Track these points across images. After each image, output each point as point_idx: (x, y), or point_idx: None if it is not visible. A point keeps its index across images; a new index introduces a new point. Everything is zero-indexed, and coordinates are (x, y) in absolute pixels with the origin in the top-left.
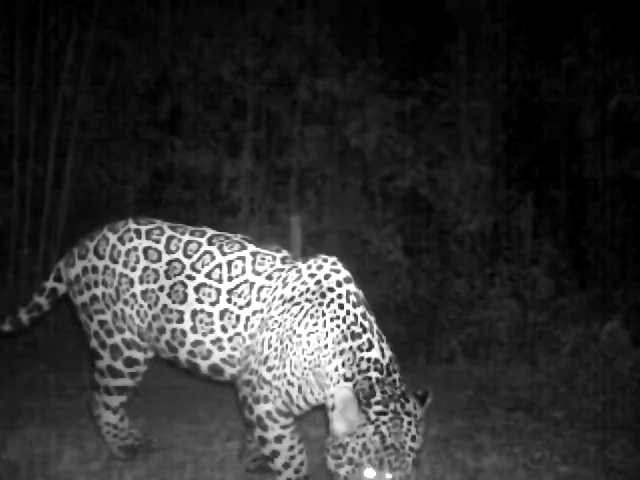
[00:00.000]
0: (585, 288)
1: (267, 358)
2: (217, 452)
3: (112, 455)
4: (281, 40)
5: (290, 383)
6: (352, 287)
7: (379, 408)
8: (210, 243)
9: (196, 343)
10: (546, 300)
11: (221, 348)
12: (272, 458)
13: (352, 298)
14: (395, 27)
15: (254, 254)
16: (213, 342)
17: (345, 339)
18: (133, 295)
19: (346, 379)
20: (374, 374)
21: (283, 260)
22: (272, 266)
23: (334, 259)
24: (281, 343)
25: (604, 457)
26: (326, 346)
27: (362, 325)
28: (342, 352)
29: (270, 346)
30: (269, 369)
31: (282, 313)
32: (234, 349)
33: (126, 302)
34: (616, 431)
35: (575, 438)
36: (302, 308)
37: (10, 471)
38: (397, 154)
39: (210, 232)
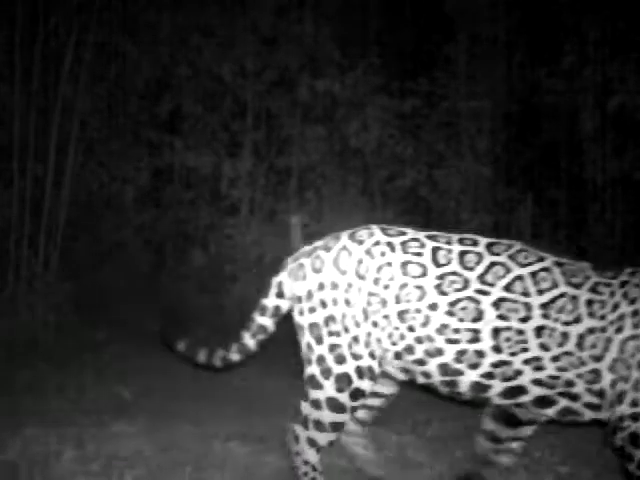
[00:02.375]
0: None
1: None
2: (217, 452)
3: None
4: (281, 40)
5: None
6: None
7: None
8: (493, 253)
9: (499, 364)
10: None
11: (539, 368)
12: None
13: None
14: (395, 27)
15: (559, 264)
16: (526, 362)
17: None
18: (386, 317)
19: None
20: None
21: (599, 273)
22: (588, 278)
23: None
24: None
25: (604, 457)
26: None
27: None
28: None
29: None
30: None
31: None
32: (562, 370)
33: (375, 324)
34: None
35: (575, 438)
36: None
37: (10, 471)
38: (397, 154)
39: (483, 239)
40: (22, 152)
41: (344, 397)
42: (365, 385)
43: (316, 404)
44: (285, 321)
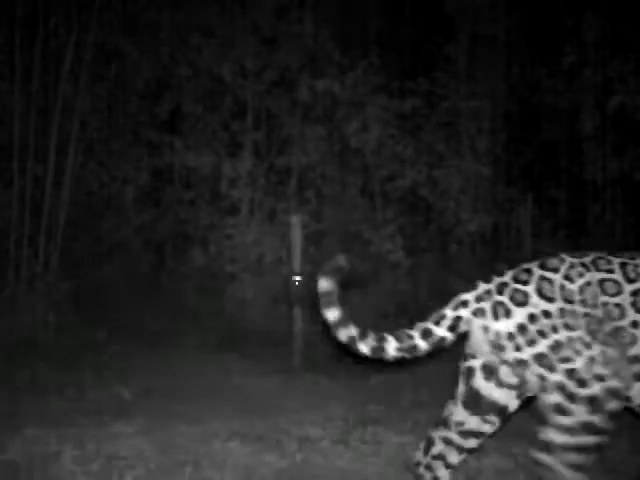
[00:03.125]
0: None
1: None
2: (217, 452)
3: None
4: (281, 40)
5: None
6: None
7: None
8: None
9: None
10: None
11: None
12: None
13: None
14: (395, 27)
15: None
16: None
17: None
18: (603, 335)
19: None
20: None
21: None
22: None
23: None
24: None
25: (604, 457)
26: None
27: None
28: None
29: None
30: None
31: None
32: None
33: (605, 343)
34: (616, 431)
35: None
36: None
37: (10, 471)
38: (397, 154)
39: None
40: (22, 152)
41: (599, 419)
42: (617, 406)
43: (569, 430)
44: (284, 322)
